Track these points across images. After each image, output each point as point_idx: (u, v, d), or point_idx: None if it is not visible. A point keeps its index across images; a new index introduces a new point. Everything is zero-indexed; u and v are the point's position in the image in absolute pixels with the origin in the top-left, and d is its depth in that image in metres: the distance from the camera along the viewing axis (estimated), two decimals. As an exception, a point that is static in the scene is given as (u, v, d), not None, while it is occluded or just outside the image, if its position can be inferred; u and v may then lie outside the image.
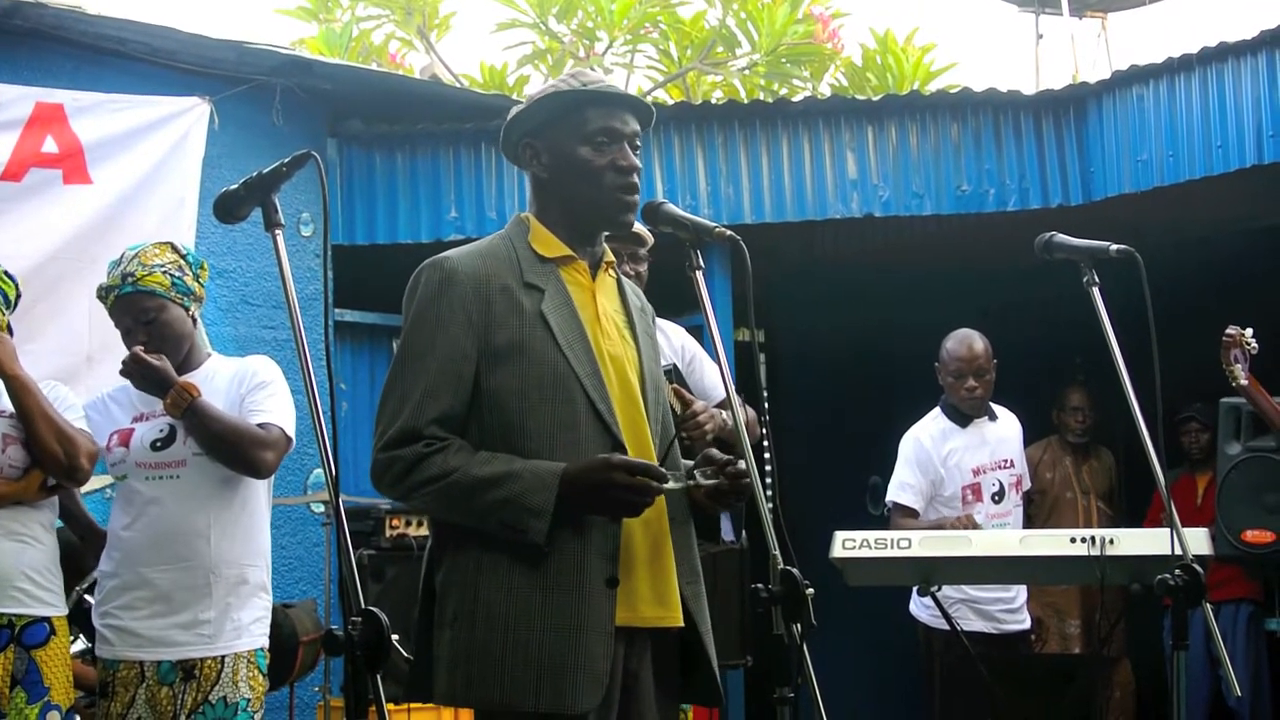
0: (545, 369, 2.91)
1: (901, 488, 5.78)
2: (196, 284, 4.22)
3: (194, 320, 4.23)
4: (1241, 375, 5.69)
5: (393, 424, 2.89)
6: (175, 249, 4.24)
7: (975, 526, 5.53)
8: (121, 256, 4.19)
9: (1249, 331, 5.62)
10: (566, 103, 3.03)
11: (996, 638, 5.72)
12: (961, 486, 5.76)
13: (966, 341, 5.81)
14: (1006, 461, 5.87)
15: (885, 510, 5.88)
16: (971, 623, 5.63)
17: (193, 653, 4.02)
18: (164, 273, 4.12)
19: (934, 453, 5.77)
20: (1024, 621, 5.90)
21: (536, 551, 2.82)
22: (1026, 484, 6.16)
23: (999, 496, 5.79)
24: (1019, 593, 5.84)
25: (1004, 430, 5.94)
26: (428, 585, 2.98)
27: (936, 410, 5.91)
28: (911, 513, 5.74)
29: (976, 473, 5.79)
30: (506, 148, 3.14)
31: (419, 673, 2.96)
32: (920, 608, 5.69)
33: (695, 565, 3.05)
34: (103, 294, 4.19)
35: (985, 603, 5.71)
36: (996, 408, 5.94)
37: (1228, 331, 5.64)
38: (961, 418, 5.83)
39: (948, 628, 5.24)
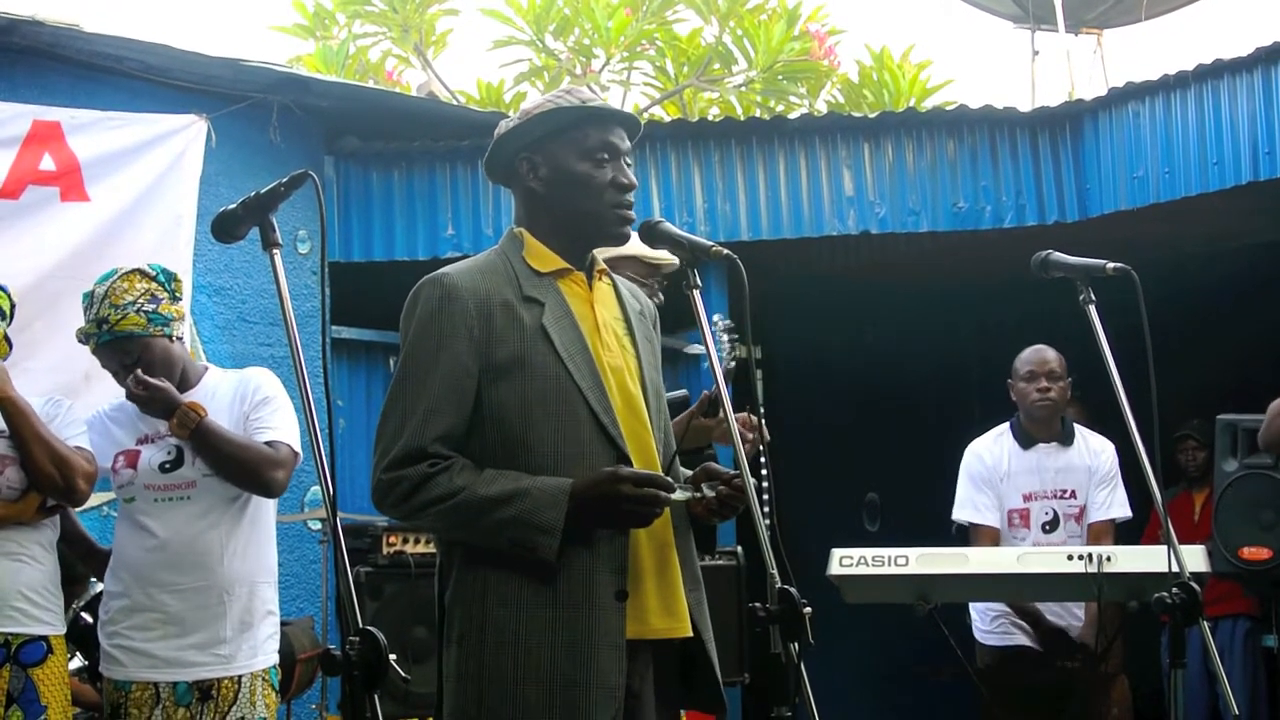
0: (548, 383, 2.88)
1: (974, 507, 5.60)
2: (174, 305, 4.16)
3: (179, 338, 4.19)
4: None
5: (395, 443, 2.85)
6: (144, 274, 4.15)
7: None
8: (92, 295, 4.12)
9: None
10: (567, 119, 3.02)
11: (1041, 654, 5.51)
12: (1009, 510, 5.58)
13: (1038, 348, 5.64)
14: (1066, 491, 5.58)
15: (954, 530, 5.68)
16: (1016, 637, 5.51)
17: (210, 673, 4.01)
18: (137, 311, 4.06)
19: (994, 469, 5.60)
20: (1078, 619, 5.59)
21: (546, 568, 2.80)
22: (1100, 517, 5.64)
23: (1050, 526, 5.54)
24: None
25: (1076, 458, 5.64)
26: (440, 602, 2.95)
27: (1004, 426, 5.74)
28: (991, 531, 5.54)
29: (1027, 499, 5.58)
30: (496, 162, 3.10)
31: (439, 691, 2.92)
32: (977, 626, 5.59)
33: (696, 573, 3.03)
34: (82, 339, 4.15)
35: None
36: (1087, 434, 5.70)
37: None
38: (1027, 439, 5.63)
39: (1001, 645, 5.28)
